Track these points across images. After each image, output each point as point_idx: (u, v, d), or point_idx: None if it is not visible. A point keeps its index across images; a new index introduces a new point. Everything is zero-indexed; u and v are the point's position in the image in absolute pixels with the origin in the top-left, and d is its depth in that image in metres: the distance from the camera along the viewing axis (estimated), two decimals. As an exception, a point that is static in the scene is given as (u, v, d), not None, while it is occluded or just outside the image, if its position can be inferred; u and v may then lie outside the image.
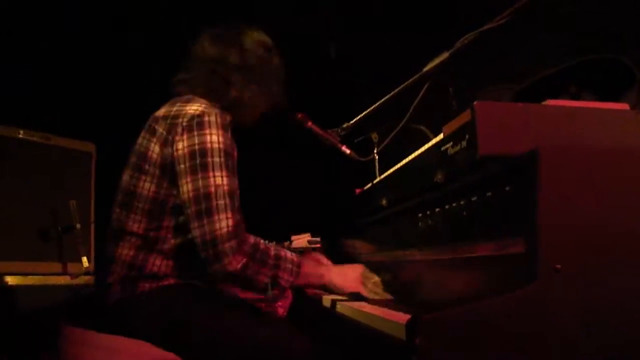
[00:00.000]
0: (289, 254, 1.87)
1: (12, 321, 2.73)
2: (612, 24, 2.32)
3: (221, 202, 1.73)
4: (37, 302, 2.86)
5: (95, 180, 3.48)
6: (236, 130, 2.00)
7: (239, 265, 1.71)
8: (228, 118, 1.92)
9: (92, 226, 3.38)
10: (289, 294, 2.96)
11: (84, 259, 3.20)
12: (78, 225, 3.21)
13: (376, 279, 1.96)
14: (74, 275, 3.10)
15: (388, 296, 1.90)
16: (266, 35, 2.17)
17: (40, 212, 3.17)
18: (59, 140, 3.34)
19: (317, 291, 2.18)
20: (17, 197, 3.07)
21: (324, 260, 2.16)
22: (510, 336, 1.06)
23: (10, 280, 2.83)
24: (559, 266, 1.07)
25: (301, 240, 3.20)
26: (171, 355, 1.77)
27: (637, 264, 1.13)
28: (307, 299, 2.28)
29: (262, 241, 1.81)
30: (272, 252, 1.81)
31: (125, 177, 1.94)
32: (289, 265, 1.84)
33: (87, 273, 3.18)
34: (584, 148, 1.21)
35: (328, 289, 1.98)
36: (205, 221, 1.71)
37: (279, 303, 3.06)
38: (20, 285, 2.86)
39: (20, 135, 3.15)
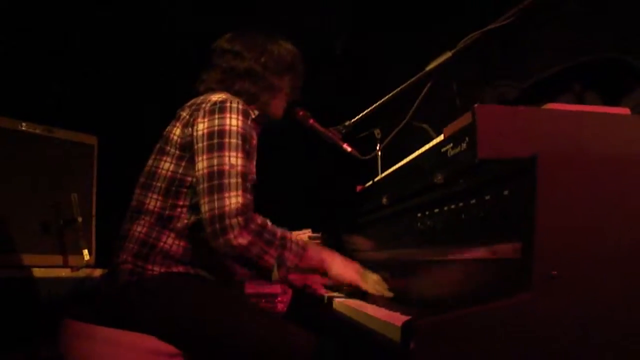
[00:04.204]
0: (293, 236, 1.89)
1: (12, 314, 2.74)
2: (617, 22, 2.31)
3: (233, 180, 1.77)
4: (38, 295, 2.87)
5: (97, 174, 3.48)
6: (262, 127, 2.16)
7: (245, 242, 1.72)
8: (255, 111, 2.06)
9: (94, 219, 3.39)
10: (289, 290, 2.97)
11: (85, 251, 3.21)
12: (79, 218, 3.21)
13: (376, 276, 1.96)
14: (75, 268, 3.10)
15: (388, 294, 1.89)
16: (292, 45, 2.24)
17: (42, 205, 3.16)
18: (62, 132, 3.33)
19: (317, 286, 2.19)
20: (18, 189, 3.06)
21: None
22: (505, 342, 1.06)
23: (11, 272, 2.84)
24: (555, 272, 1.07)
25: (302, 235, 3.20)
26: (174, 349, 1.78)
27: (635, 272, 1.12)
28: (305, 295, 2.29)
29: (269, 222, 1.82)
30: (279, 234, 1.83)
31: (149, 161, 2.00)
32: (295, 247, 1.85)
33: (88, 266, 3.19)
34: (584, 155, 1.21)
35: (327, 275, 1.97)
36: (215, 197, 1.75)
37: (279, 298, 3.08)
38: (21, 277, 2.88)
39: (23, 128, 3.14)
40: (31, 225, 3.10)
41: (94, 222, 3.39)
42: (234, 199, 1.74)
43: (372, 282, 1.93)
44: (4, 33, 3.58)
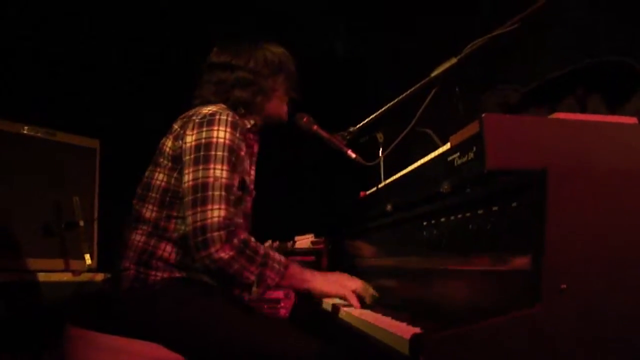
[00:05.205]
0: (277, 254, 1.88)
1: (14, 318, 2.73)
2: (620, 27, 2.31)
3: (217, 193, 1.79)
4: (40, 299, 2.86)
5: (99, 177, 3.47)
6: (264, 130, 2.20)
7: (227, 257, 1.73)
8: (251, 121, 2.11)
9: (96, 223, 3.38)
10: (292, 296, 2.95)
11: (87, 256, 3.21)
12: (81, 222, 3.21)
13: (359, 282, 1.93)
14: (76, 273, 3.10)
15: (374, 294, 1.89)
16: (280, 46, 2.23)
17: (44, 208, 3.17)
18: (64, 136, 3.34)
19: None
20: (20, 192, 3.07)
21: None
22: (515, 356, 1.05)
23: (13, 277, 2.83)
24: (564, 286, 1.06)
25: (305, 240, 3.19)
26: (178, 356, 1.77)
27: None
28: (310, 302, 2.27)
29: (252, 238, 1.82)
30: (262, 251, 1.82)
31: (146, 172, 2.02)
32: (276, 265, 1.84)
33: (90, 270, 3.19)
34: (592, 166, 1.20)
35: (311, 293, 1.95)
36: (198, 209, 1.76)
37: (282, 304, 3.06)
38: (23, 281, 2.87)
39: (25, 131, 3.14)
40: (33, 229, 3.10)
41: (96, 226, 3.39)
42: (216, 212, 1.76)
43: (354, 289, 1.90)
44: (6, 36, 3.57)
